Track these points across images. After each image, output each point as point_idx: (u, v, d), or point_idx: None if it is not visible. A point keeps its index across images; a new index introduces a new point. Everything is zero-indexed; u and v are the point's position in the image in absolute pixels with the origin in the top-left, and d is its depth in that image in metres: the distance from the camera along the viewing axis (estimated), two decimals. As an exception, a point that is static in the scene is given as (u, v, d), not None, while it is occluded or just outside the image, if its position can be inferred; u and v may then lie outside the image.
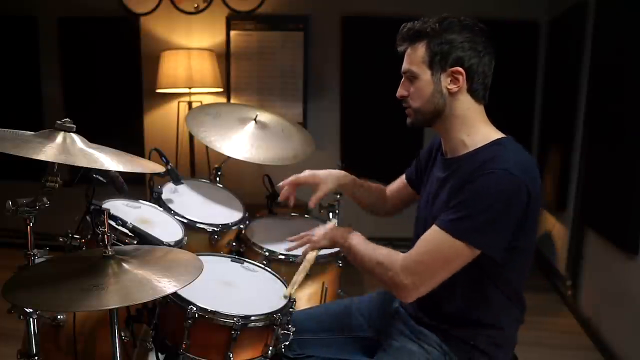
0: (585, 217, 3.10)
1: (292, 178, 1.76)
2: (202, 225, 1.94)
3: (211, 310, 1.37)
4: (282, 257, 1.87)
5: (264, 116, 2.18)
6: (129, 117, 4.09)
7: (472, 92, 1.31)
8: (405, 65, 1.35)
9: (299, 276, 1.53)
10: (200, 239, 1.94)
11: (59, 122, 1.15)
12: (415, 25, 1.32)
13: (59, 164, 1.10)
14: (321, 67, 4.05)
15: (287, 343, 1.47)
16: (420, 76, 1.32)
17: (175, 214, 1.92)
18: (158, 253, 1.27)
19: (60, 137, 1.13)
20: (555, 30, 3.77)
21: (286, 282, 1.61)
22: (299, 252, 1.86)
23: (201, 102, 3.82)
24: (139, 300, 1.05)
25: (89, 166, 1.11)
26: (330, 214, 2.32)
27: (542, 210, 3.83)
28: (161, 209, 1.93)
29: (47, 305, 1.12)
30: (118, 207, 1.78)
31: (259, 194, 2.27)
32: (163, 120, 4.10)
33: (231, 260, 1.70)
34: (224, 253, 1.83)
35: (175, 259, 1.25)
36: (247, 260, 1.71)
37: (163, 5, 3.95)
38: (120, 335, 1.20)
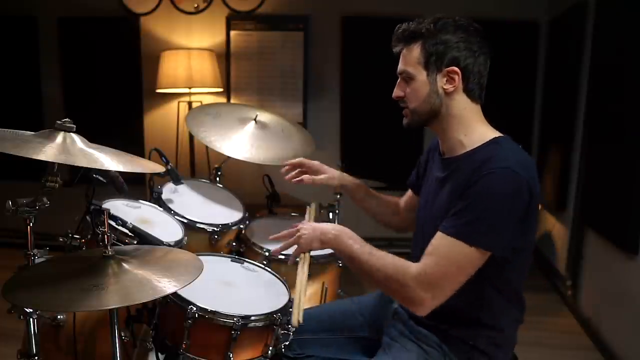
0: (585, 217, 3.09)
1: (299, 159, 1.76)
2: (202, 225, 1.94)
3: (211, 310, 1.37)
4: (282, 257, 1.86)
5: (264, 116, 2.19)
6: (129, 117, 4.09)
7: (468, 91, 1.32)
8: (400, 66, 1.36)
9: (300, 298, 1.40)
10: (200, 239, 1.94)
11: (59, 122, 1.15)
12: (410, 26, 1.33)
13: (59, 164, 1.10)
14: (321, 67, 4.05)
15: (287, 343, 1.48)
16: (416, 77, 1.32)
17: (175, 214, 1.92)
18: (158, 253, 1.27)
19: (60, 137, 1.13)
20: (555, 30, 3.77)
21: (286, 282, 1.61)
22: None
23: (201, 102, 3.82)
24: (139, 300, 1.05)
25: (89, 166, 1.11)
26: (330, 214, 2.32)
27: (542, 210, 3.83)
28: (161, 209, 1.93)
29: (47, 305, 1.12)
30: (118, 207, 1.78)
31: (259, 194, 2.27)
32: (163, 120, 4.10)
33: (231, 260, 1.70)
34: (224, 253, 1.83)
35: (175, 259, 1.25)
36: (247, 260, 1.72)
37: (163, 5, 3.95)
38: (120, 335, 1.20)
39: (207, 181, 2.28)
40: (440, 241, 1.23)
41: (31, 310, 1.21)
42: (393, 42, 1.37)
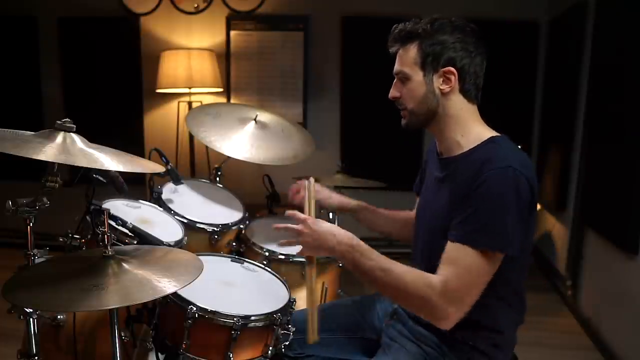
0: (585, 217, 3.09)
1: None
2: (202, 225, 1.94)
3: (211, 310, 1.37)
4: (282, 257, 1.87)
5: (264, 116, 2.18)
6: (129, 117, 4.09)
7: (464, 92, 1.32)
8: (397, 67, 1.36)
9: (314, 316, 1.37)
10: (200, 239, 1.93)
11: (59, 122, 1.15)
12: (406, 27, 1.33)
13: (59, 164, 1.10)
14: (321, 67, 4.05)
15: (287, 343, 1.47)
16: (412, 77, 1.32)
17: (175, 214, 1.92)
18: (158, 253, 1.27)
19: (60, 137, 1.13)
20: (555, 30, 3.77)
21: (286, 282, 1.61)
22: (296, 251, 1.87)
23: (201, 102, 3.82)
24: (139, 300, 1.05)
25: (89, 166, 1.11)
26: (330, 214, 2.32)
27: (542, 210, 3.83)
28: (161, 209, 1.92)
29: (47, 305, 1.12)
30: (118, 207, 1.78)
31: (259, 194, 2.27)
32: (163, 120, 4.11)
33: (231, 260, 1.70)
34: (224, 253, 1.83)
35: (175, 259, 1.25)
36: (247, 260, 1.71)
37: (163, 5, 3.95)
38: (120, 335, 1.20)
39: (207, 181, 2.28)
40: (457, 252, 1.21)
41: (31, 310, 1.21)
42: (389, 42, 1.37)
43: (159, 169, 1.40)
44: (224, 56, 4.01)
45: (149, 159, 1.77)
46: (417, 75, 1.32)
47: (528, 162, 1.26)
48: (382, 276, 1.25)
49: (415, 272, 1.24)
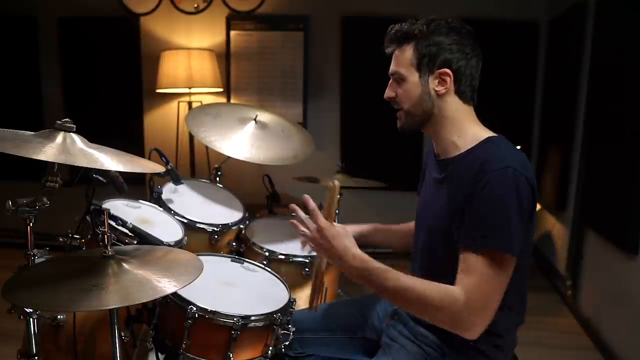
0: (585, 217, 3.09)
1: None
2: (202, 225, 1.94)
3: (211, 310, 1.37)
4: (282, 257, 1.87)
5: (264, 116, 2.19)
6: (129, 117, 4.09)
7: (459, 93, 1.32)
8: (393, 67, 1.36)
9: (323, 285, 1.39)
10: (200, 239, 1.94)
11: (59, 122, 1.15)
12: (403, 27, 1.33)
13: (59, 164, 1.10)
14: (321, 67, 4.05)
15: (287, 343, 1.47)
16: (408, 78, 1.32)
17: (175, 214, 1.92)
18: (158, 253, 1.27)
19: (60, 137, 1.13)
20: (555, 30, 3.77)
21: (286, 282, 1.61)
22: (298, 252, 1.87)
23: (201, 102, 3.82)
24: (139, 300, 1.05)
25: (89, 166, 1.11)
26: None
27: (542, 210, 3.83)
28: (161, 209, 1.93)
29: (47, 305, 1.12)
30: (118, 207, 1.78)
31: (259, 194, 2.28)
32: (163, 120, 4.11)
33: (231, 260, 1.70)
34: (224, 253, 1.83)
35: (175, 259, 1.25)
36: (247, 260, 1.72)
37: (163, 5, 3.95)
38: (120, 335, 1.21)
39: (207, 181, 2.28)
40: (470, 260, 1.20)
41: (31, 310, 1.21)
42: (385, 43, 1.37)
43: (159, 169, 1.40)
44: (224, 56, 4.01)
45: (149, 159, 1.77)
46: (413, 76, 1.32)
47: (526, 162, 1.26)
48: (404, 296, 1.24)
49: (435, 287, 1.22)
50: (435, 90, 1.31)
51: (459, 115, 1.33)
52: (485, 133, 1.33)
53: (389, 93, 1.37)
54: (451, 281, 1.25)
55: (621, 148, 2.61)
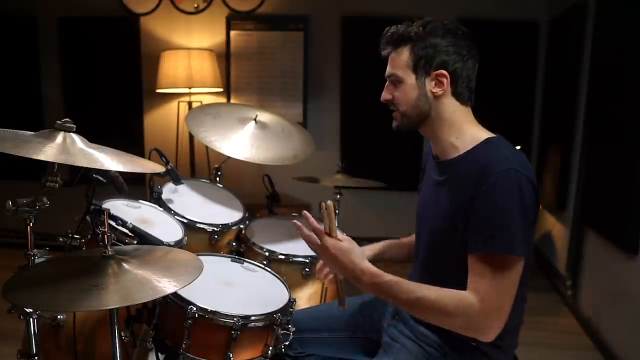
0: (585, 217, 3.09)
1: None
2: (202, 225, 1.94)
3: (211, 310, 1.37)
4: (282, 257, 1.87)
5: (264, 116, 2.18)
6: (129, 117, 4.09)
7: (456, 95, 1.32)
8: (389, 70, 1.36)
9: (341, 284, 1.40)
10: (200, 239, 1.94)
11: (59, 122, 1.15)
12: (399, 29, 1.33)
13: (59, 164, 1.10)
14: (321, 67, 4.05)
15: (287, 343, 1.47)
16: (405, 80, 1.32)
17: (175, 214, 1.92)
18: (158, 253, 1.27)
19: (60, 137, 1.13)
20: (555, 30, 3.77)
21: (286, 282, 1.61)
22: (298, 252, 1.87)
23: (201, 102, 3.82)
24: (139, 300, 1.05)
25: (89, 166, 1.11)
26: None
27: (542, 210, 3.83)
28: (161, 209, 1.93)
29: (47, 305, 1.12)
30: (118, 207, 1.78)
31: (259, 194, 2.28)
32: (163, 120, 4.11)
33: (231, 260, 1.70)
34: (224, 253, 1.83)
35: (175, 259, 1.25)
36: (247, 260, 1.72)
37: (163, 5, 3.95)
38: (120, 335, 1.20)
39: (207, 181, 2.28)
40: (480, 263, 1.20)
41: (31, 310, 1.21)
42: (381, 45, 1.37)
43: (159, 169, 1.40)
44: (224, 56, 4.01)
45: (149, 159, 1.77)
46: (410, 78, 1.32)
47: (526, 162, 1.26)
48: (419, 306, 1.25)
49: (449, 294, 1.22)
50: (432, 92, 1.31)
51: (457, 117, 1.33)
52: (483, 133, 1.33)
53: (385, 95, 1.38)
54: (455, 281, 1.26)
55: (621, 148, 2.61)
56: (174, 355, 1.40)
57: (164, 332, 1.45)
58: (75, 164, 1.09)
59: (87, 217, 1.52)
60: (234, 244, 2.01)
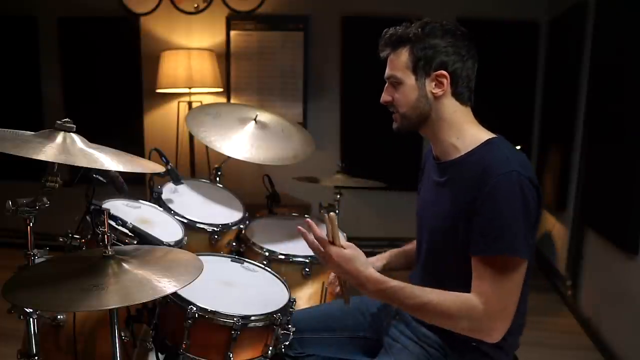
0: (585, 217, 3.09)
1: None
2: (202, 225, 1.94)
3: (211, 310, 1.37)
4: (282, 257, 1.87)
5: (264, 116, 2.18)
6: (129, 117, 4.09)
7: (456, 95, 1.32)
8: (388, 71, 1.36)
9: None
10: (200, 239, 1.94)
11: (59, 122, 1.15)
12: (397, 31, 1.33)
13: (59, 164, 1.10)
14: (321, 67, 4.05)
15: (287, 343, 1.47)
16: (404, 81, 1.32)
17: (175, 214, 1.92)
18: (158, 253, 1.27)
19: (60, 137, 1.13)
20: (555, 30, 3.77)
21: (286, 282, 1.61)
22: (298, 252, 1.87)
23: (201, 102, 3.82)
24: (139, 300, 1.05)
25: (89, 166, 1.11)
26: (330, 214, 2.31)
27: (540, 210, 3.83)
28: (161, 209, 1.93)
29: (47, 305, 1.12)
30: (118, 207, 1.78)
31: (259, 194, 2.28)
32: (163, 120, 4.11)
33: (231, 260, 1.70)
34: (224, 253, 1.83)
35: (175, 259, 1.25)
36: (247, 260, 1.72)
37: (163, 5, 3.95)
38: (120, 335, 1.20)
39: (207, 181, 2.28)
40: (483, 265, 1.21)
41: (31, 310, 1.21)
42: (380, 47, 1.37)
43: (159, 169, 1.40)
44: (224, 56, 4.01)
45: (149, 159, 1.77)
46: (410, 80, 1.32)
47: (527, 163, 1.26)
48: (423, 310, 1.26)
49: (452, 297, 1.23)
50: (432, 93, 1.31)
51: (457, 117, 1.33)
52: (484, 134, 1.33)
53: (385, 97, 1.38)
54: (455, 281, 1.26)
55: (621, 148, 2.61)
56: (174, 355, 1.40)
57: (164, 332, 1.45)
58: (75, 164, 1.09)
59: (87, 217, 1.52)
60: (234, 244, 2.01)
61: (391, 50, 1.35)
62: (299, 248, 1.85)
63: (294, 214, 2.31)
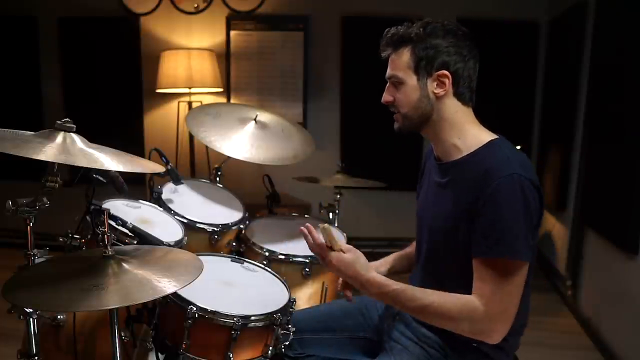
0: (585, 217, 3.09)
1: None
2: (202, 225, 1.94)
3: (211, 310, 1.37)
4: (282, 257, 1.87)
5: (264, 116, 2.18)
6: (129, 117, 4.09)
7: (458, 95, 1.32)
8: (390, 71, 1.36)
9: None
10: (200, 239, 1.94)
11: (59, 122, 1.15)
12: (399, 31, 1.33)
13: (59, 164, 1.10)
14: (321, 67, 4.05)
15: (287, 343, 1.47)
16: (406, 81, 1.32)
17: (175, 214, 1.92)
18: (158, 253, 1.27)
19: (60, 137, 1.13)
20: (555, 30, 3.77)
21: (286, 282, 1.61)
22: (298, 252, 1.87)
23: (201, 102, 3.82)
24: (139, 300, 1.05)
25: (89, 166, 1.11)
26: (330, 214, 2.32)
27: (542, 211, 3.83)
28: (161, 209, 1.93)
29: (47, 305, 1.12)
30: (118, 207, 1.78)
31: (259, 194, 2.28)
32: (163, 120, 4.11)
33: (231, 260, 1.70)
34: (224, 253, 1.83)
35: (175, 259, 1.25)
36: (247, 260, 1.72)
37: (163, 5, 3.95)
38: (120, 335, 1.20)
39: (207, 181, 2.28)
40: (485, 267, 1.21)
41: (31, 310, 1.21)
42: (381, 46, 1.37)
43: (159, 169, 1.40)
44: (224, 56, 4.01)
45: (149, 159, 1.77)
46: (411, 80, 1.32)
47: (529, 164, 1.26)
48: (424, 312, 1.27)
49: (453, 299, 1.24)
50: (434, 93, 1.31)
51: (459, 117, 1.33)
52: (486, 134, 1.33)
53: (386, 97, 1.37)
54: (455, 282, 1.26)
55: (621, 148, 2.62)
56: (174, 355, 1.40)
57: (164, 332, 1.45)
58: (75, 164, 1.09)
59: (87, 217, 1.52)
60: (234, 244, 2.01)
61: (392, 50, 1.35)
62: (299, 248, 1.85)
63: (294, 214, 2.31)
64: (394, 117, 1.39)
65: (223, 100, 4.03)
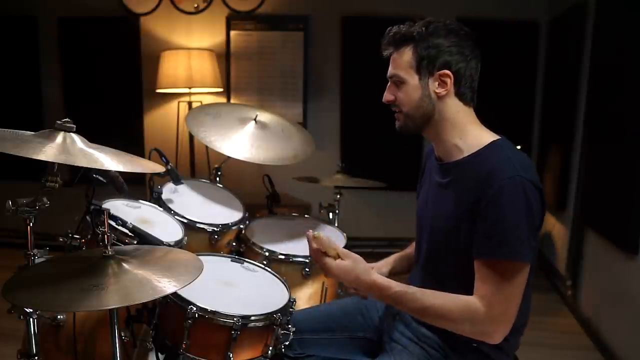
0: (585, 217, 3.09)
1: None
2: (202, 225, 1.94)
3: (211, 310, 1.37)
4: (282, 257, 1.87)
5: (264, 116, 2.18)
6: (129, 117, 4.09)
7: (460, 95, 1.32)
8: (391, 70, 1.35)
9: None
10: (200, 239, 1.94)
11: (59, 122, 1.15)
12: (401, 30, 1.32)
13: (59, 164, 1.10)
14: (321, 67, 4.05)
15: (287, 343, 1.47)
16: (407, 81, 1.32)
17: (175, 214, 1.92)
18: (158, 253, 1.27)
19: (60, 137, 1.13)
20: (555, 30, 3.77)
21: (286, 282, 1.61)
22: (298, 252, 1.87)
23: (201, 102, 3.82)
24: (139, 300, 1.05)
25: (89, 166, 1.11)
26: (330, 214, 2.32)
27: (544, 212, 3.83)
28: (161, 209, 1.93)
29: (47, 305, 1.12)
30: (118, 207, 1.78)
31: (259, 194, 2.28)
32: (163, 120, 4.11)
33: (231, 260, 1.70)
34: (224, 253, 1.83)
35: (175, 259, 1.25)
36: (247, 260, 1.71)
37: (163, 5, 3.95)
38: (120, 335, 1.20)
39: (207, 181, 2.28)
40: (486, 268, 1.21)
41: (31, 310, 1.21)
42: (383, 45, 1.36)
43: (159, 169, 1.40)
44: (224, 56, 4.01)
45: (149, 159, 1.77)
46: (413, 79, 1.31)
47: (531, 165, 1.26)
48: (426, 313, 1.27)
49: (454, 300, 1.24)
50: (436, 93, 1.31)
51: (460, 117, 1.33)
52: (487, 135, 1.33)
53: (387, 96, 1.37)
54: (455, 282, 1.26)
55: (621, 148, 2.62)
56: (174, 355, 1.40)
57: (164, 332, 1.45)
58: (75, 164, 1.09)
59: (87, 217, 1.52)
60: (234, 244, 2.01)
61: (394, 49, 1.34)
62: (299, 248, 1.85)
63: (294, 214, 2.31)
64: (395, 115, 1.38)
65: (223, 100, 4.04)
